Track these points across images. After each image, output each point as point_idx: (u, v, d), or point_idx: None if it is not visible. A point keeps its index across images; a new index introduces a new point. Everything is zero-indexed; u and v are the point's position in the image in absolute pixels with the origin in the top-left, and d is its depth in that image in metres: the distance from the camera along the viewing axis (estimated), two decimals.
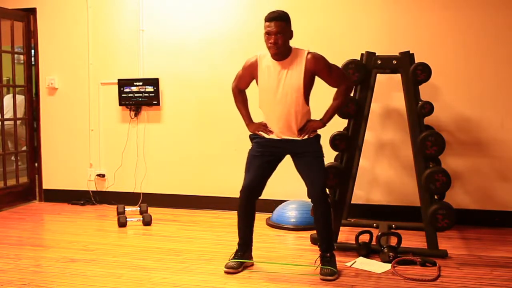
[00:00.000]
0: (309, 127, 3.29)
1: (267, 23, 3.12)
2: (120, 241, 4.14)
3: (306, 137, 3.29)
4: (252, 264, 3.49)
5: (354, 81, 3.84)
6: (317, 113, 3.38)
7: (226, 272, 3.32)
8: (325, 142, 3.91)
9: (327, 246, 3.34)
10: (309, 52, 3.20)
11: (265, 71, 3.23)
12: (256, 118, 3.48)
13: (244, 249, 3.46)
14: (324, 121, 3.32)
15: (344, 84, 3.31)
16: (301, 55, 3.18)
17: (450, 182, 3.63)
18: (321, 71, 3.22)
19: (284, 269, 3.42)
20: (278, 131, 3.30)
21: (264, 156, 3.35)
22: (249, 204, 3.39)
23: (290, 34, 3.19)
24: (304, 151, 3.30)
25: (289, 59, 3.18)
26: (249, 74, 3.33)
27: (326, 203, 3.30)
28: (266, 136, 3.35)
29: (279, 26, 3.09)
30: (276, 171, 4.91)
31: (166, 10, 5.16)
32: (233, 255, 3.45)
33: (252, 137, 3.44)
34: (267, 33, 3.12)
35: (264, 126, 3.35)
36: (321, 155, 3.34)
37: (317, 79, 3.30)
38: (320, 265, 3.30)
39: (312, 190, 3.28)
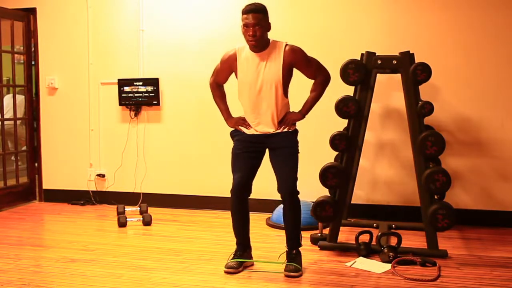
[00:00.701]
0: (288, 119, 3.30)
1: (245, 16, 3.13)
2: (120, 241, 4.14)
3: (286, 130, 3.30)
4: (253, 264, 3.50)
5: (354, 81, 3.84)
6: (296, 106, 3.39)
7: (226, 272, 3.32)
8: (324, 142, 3.93)
9: (294, 243, 3.37)
10: (287, 44, 3.23)
11: (244, 63, 3.24)
12: (235, 112, 3.48)
13: (243, 248, 3.46)
14: (303, 113, 3.34)
15: (321, 75, 3.34)
16: (279, 47, 3.21)
17: (450, 182, 3.63)
18: (299, 63, 3.25)
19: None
20: (258, 124, 3.30)
21: (247, 152, 3.35)
22: (241, 203, 3.40)
23: (268, 26, 3.20)
24: (281, 146, 3.31)
25: (268, 51, 3.20)
26: (228, 67, 3.33)
27: (296, 199, 3.31)
28: (245, 131, 3.35)
29: (257, 18, 3.10)
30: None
31: (166, 10, 5.16)
32: (232, 255, 3.45)
33: (232, 135, 3.44)
34: (245, 25, 3.13)
35: (243, 120, 3.35)
36: (296, 151, 3.35)
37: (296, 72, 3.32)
38: (285, 261, 3.33)
39: (282, 185, 3.29)
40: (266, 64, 3.19)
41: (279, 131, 3.29)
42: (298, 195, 3.33)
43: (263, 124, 3.29)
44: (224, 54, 3.35)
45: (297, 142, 3.38)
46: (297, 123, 4.85)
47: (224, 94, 3.48)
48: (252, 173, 3.37)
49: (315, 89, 3.35)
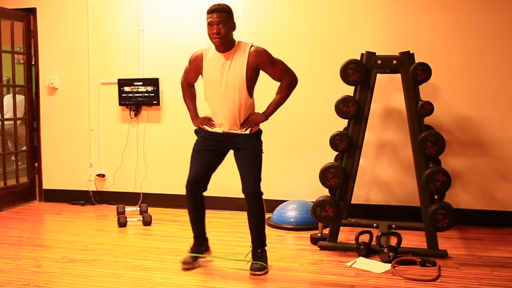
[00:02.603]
0: (252, 120, 3.33)
1: (209, 15, 3.19)
2: (120, 241, 4.14)
3: (248, 131, 3.32)
4: (210, 257, 3.55)
5: (354, 81, 3.84)
6: (262, 106, 3.40)
7: (183, 269, 3.38)
8: (324, 142, 3.92)
9: (259, 242, 3.40)
10: (252, 45, 3.25)
11: (209, 63, 3.28)
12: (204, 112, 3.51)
13: (200, 242, 3.50)
14: (267, 115, 3.36)
15: (287, 78, 3.34)
16: (244, 48, 3.23)
17: (450, 182, 3.63)
18: (263, 64, 3.26)
19: (285, 269, 3.43)
20: (222, 123, 3.33)
21: (207, 150, 3.39)
22: (195, 197, 3.43)
23: (232, 26, 3.23)
24: (244, 147, 3.34)
25: (233, 51, 3.23)
26: (195, 67, 3.37)
27: (259, 200, 3.34)
28: (210, 130, 3.39)
29: (221, 17, 3.15)
30: (274, 172, 4.94)
31: (166, 10, 5.16)
32: (190, 249, 3.50)
33: (197, 132, 3.48)
34: (209, 24, 3.18)
35: (208, 120, 3.39)
36: (259, 151, 3.37)
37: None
38: (251, 260, 3.36)
39: (246, 185, 3.32)
40: (230, 64, 3.22)
41: (242, 131, 3.33)
42: (262, 196, 3.36)
43: (227, 124, 3.33)
44: (192, 54, 3.40)
45: (260, 142, 3.40)
46: (297, 123, 4.90)
47: (194, 93, 3.54)
48: (209, 171, 3.42)
49: (280, 91, 3.38)
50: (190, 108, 3.52)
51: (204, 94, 3.37)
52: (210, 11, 3.19)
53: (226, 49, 3.22)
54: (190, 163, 3.43)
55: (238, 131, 3.33)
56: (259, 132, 3.41)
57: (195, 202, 3.45)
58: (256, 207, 3.34)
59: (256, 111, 3.40)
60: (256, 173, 3.32)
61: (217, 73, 3.25)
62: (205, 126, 3.40)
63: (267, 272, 3.33)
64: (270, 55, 3.28)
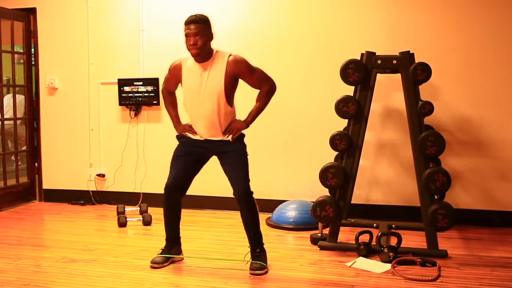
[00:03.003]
0: (233, 128, 3.35)
1: (186, 26, 3.23)
2: (120, 241, 4.14)
3: (230, 138, 3.35)
4: (182, 259, 3.58)
5: (354, 81, 3.84)
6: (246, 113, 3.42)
7: (151, 267, 3.42)
8: (324, 142, 3.92)
9: (256, 242, 3.42)
10: (231, 55, 3.28)
11: (188, 73, 3.32)
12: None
13: (172, 244, 3.54)
14: (247, 122, 3.39)
15: (266, 86, 3.37)
16: (222, 58, 3.27)
17: (450, 182, 3.63)
18: (242, 73, 3.29)
19: (285, 269, 3.43)
20: (203, 132, 3.37)
21: (188, 155, 3.43)
22: (172, 201, 3.47)
23: (210, 36, 3.27)
24: (228, 151, 3.37)
25: (211, 61, 3.27)
26: (174, 76, 3.41)
27: (251, 201, 3.37)
28: (192, 137, 3.42)
29: (197, 28, 3.19)
30: (274, 172, 4.94)
31: (166, 10, 5.16)
32: (161, 250, 3.53)
33: (178, 137, 3.51)
34: (186, 35, 3.22)
35: (190, 128, 3.42)
36: (244, 154, 3.40)
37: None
38: (250, 260, 3.39)
39: (236, 190, 3.35)
40: (209, 74, 3.25)
41: (224, 138, 3.36)
42: (253, 195, 3.39)
43: (207, 132, 3.36)
44: (172, 63, 3.44)
45: (244, 145, 3.43)
46: (297, 123, 4.90)
47: (174, 101, 3.57)
48: (188, 177, 3.45)
49: (260, 99, 3.40)
50: (172, 115, 3.56)
51: (183, 103, 3.41)
52: (187, 23, 3.23)
53: (204, 59, 3.26)
54: (170, 167, 3.48)
55: (220, 138, 3.36)
56: (242, 136, 3.44)
57: (172, 205, 3.50)
58: (249, 207, 3.37)
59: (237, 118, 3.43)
60: (244, 174, 3.36)
61: (195, 82, 3.28)
62: (187, 133, 3.44)
63: (267, 272, 3.34)
64: (249, 64, 3.32)
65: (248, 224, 3.41)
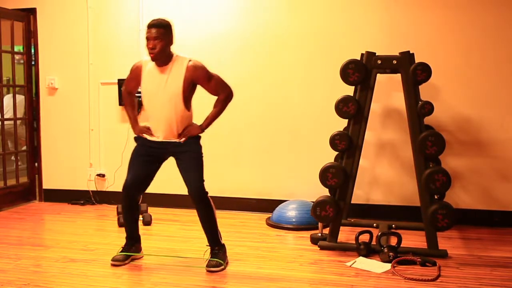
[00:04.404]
0: (188, 132, 3.41)
1: (148, 30, 3.27)
2: (120, 241, 4.12)
3: (182, 140, 3.41)
4: (142, 257, 3.63)
5: (354, 81, 3.84)
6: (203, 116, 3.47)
7: (112, 265, 3.47)
8: (324, 142, 3.92)
9: (213, 241, 3.48)
10: (190, 60, 3.33)
11: (148, 76, 3.36)
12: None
13: (132, 242, 3.60)
14: (203, 127, 3.46)
15: (223, 93, 3.43)
16: (182, 62, 3.32)
17: (450, 182, 3.63)
18: (200, 79, 3.35)
19: (285, 269, 3.43)
20: (160, 134, 3.41)
21: (145, 156, 3.48)
22: (131, 200, 3.54)
23: (169, 41, 3.30)
24: (184, 151, 3.42)
25: (170, 65, 3.32)
26: (135, 77, 3.45)
27: (206, 200, 3.42)
28: (149, 138, 3.46)
29: (157, 32, 3.23)
30: (274, 172, 4.94)
31: (166, 10, 5.16)
32: (121, 248, 3.58)
33: (136, 139, 3.55)
34: (147, 39, 3.26)
35: (147, 129, 3.46)
36: (199, 155, 3.46)
37: None
38: (209, 257, 3.44)
39: (190, 190, 3.40)
40: (167, 78, 3.30)
41: (178, 140, 3.41)
42: (207, 195, 3.44)
43: (164, 134, 3.40)
44: (133, 64, 3.49)
45: (200, 146, 3.49)
46: (297, 123, 4.90)
47: (133, 102, 3.61)
48: (145, 177, 3.50)
49: (217, 105, 3.47)
50: (130, 116, 3.59)
51: (143, 105, 3.45)
52: (149, 26, 3.27)
53: (163, 63, 3.31)
54: (128, 167, 3.52)
55: (175, 140, 3.41)
56: (198, 137, 3.50)
57: (130, 205, 3.56)
58: (204, 207, 3.43)
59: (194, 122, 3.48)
60: (199, 173, 3.42)
61: (154, 86, 3.33)
62: (144, 135, 3.48)
63: (223, 269, 3.39)
64: (207, 70, 3.37)
65: (204, 223, 3.47)
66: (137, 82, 3.44)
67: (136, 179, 3.48)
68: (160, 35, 3.22)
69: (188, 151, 3.42)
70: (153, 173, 3.54)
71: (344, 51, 4.40)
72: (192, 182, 3.39)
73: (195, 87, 3.41)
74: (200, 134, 3.49)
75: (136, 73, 3.43)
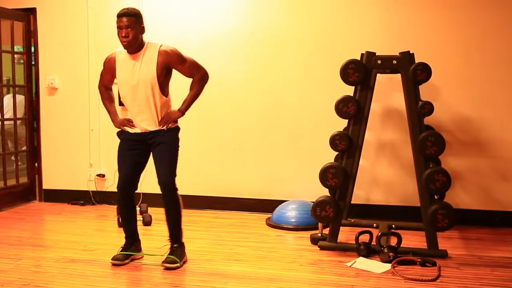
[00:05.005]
0: (167, 116, 3.43)
1: (118, 19, 3.33)
2: (120, 241, 4.12)
3: (165, 127, 3.43)
4: (142, 257, 3.63)
5: (354, 81, 3.84)
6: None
7: (112, 265, 3.47)
8: (324, 142, 3.92)
9: (175, 237, 3.51)
10: (161, 45, 3.38)
11: (121, 65, 3.40)
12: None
13: (131, 242, 3.61)
14: (182, 110, 3.48)
15: (198, 74, 3.46)
16: (154, 49, 3.36)
17: (450, 182, 3.63)
18: (173, 63, 3.39)
19: (285, 269, 3.43)
20: (140, 123, 3.44)
21: (131, 150, 3.52)
22: (127, 198, 3.55)
23: (141, 29, 3.36)
24: (160, 142, 3.44)
25: (142, 52, 3.36)
26: (109, 69, 3.49)
27: (173, 194, 3.44)
28: (130, 130, 3.49)
29: (129, 21, 3.29)
30: (274, 172, 4.94)
31: (166, 10, 5.16)
32: (121, 248, 3.58)
33: (119, 134, 3.58)
34: (119, 28, 3.32)
35: (128, 121, 3.49)
36: (175, 147, 3.49)
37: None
38: (167, 253, 3.46)
39: (159, 180, 3.42)
40: (141, 65, 3.34)
41: (159, 128, 3.43)
42: (177, 190, 3.45)
43: (144, 122, 3.43)
44: (105, 57, 3.52)
45: (177, 138, 3.52)
46: (297, 123, 4.90)
47: (111, 96, 3.65)
48: (136, 171, 3.54)
49: (193, 87, 3.49)
50: (109, 110, 3.62)
51: (120, 96, 3.49)
52: (119, 15, 3.33)
53: (136, 50, 3.35)
54: (117, 166, 3.55)
55: (156, 128, 3.43)
56: (177, 128, 3.53)
57: (127, 203, 3.57)
58: (170, 201, 3.45)
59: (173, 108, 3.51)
60: (170, 167, 3.43)
61: (128, 74, 3.37)
62: (125, 128, 3.50)
63: (179, 267, 3.40)
64: (179, 53, 3.40)
65: (169, 219, 3.50)
66: (112, 74, 3.47)
67: (128, 175, 3.50)
68: (132, 23, 3.28)
69: (163, 143, 3.44)
70: (143, 165, 3.56)
71: (344, 51, 4.40)
72: (162, 175, 3.41)
73: (170, 72, 3.43)
74: (179, 126, 3.53)
75: (109, 65, 3.47)
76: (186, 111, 3.49)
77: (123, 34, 3.28)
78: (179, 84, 3.68)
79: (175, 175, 3.45)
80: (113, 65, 3.44)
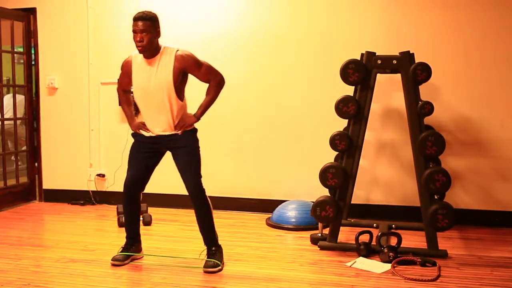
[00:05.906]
0: (183, 122, 3.41)
1: (134, 23, 3.29)
2: (120, 241, 4.12)
3: (180, 132, 3.40)
4: (142, 257, 3.63)
5: (354, 81, 3.84)
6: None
7: (112, 265, 3.46)
8: (324, 142, 3.92)
9: (210, 240, 3.48)
10: (178, 50, 3.34)
11: (138, 69, 3.37)
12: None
13: (132, 242, 3.60)
14: (197, 116, 3.45)
15: (214, 79, 3.43)
16: (170, 53, 3.33)
17: (450, 182, 3.63)
18: (190, 67, 3.36)
19: (285, 269, 3.43)
20: (155, 127, 3.42)
21: (144, 152, 3.49)
22: (132, 198, 3.54)
23: (156, 33, 3.32)
24: (181, 146, 3.42)
25: (158, 57, 3.32)
26: (125, 73, 3.47)
27: (203, 198, 3.42)
28: (145, 134, 3.48)
29: (144, 25, 3.25)
30: (274, 172, 4.94)
31: (166, 10, 5.15)
32: (121, 248, 3.57)
33: (133, 135, 3.57)
34: (134, 32, 3.28)
35: (143, 125, 3.48)
36: (196, 149, 3.47)
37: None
38: (205, 258, 3.43)
39: (187, 187, 3.41)
40: (157, 69, 3.31)
41: (176, 133, 3.41)
42: (205, 192, 3.44)
43: (159, 127, 3.40)
44: (123, 61, 3.49)
45: (196, 140, 3.50)
46: (297, 123, 4.90)
47: (129, 99, 3.63)
48: (146, 173, 3.52)
49: (209, 92, 3.46)
50: (127, 113, 3.62)
51: (135, 100, 3.46)
52: (135, 19, 3.29)
53: (152, 55, 3.31)
54: (128, 165, 3.53)
55: (172, 132, 3.41)
56: (195, 130, 3.50)
57: (132, 203, 3.56)
58: (202, 205, 3.43)
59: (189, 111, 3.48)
60: (196, 170, 3.42)
61: (144, 79, 3.34)
62: (141, 131, 3.49)
63: (221, 270, 3.37)
64: (196, 58, 3.37)
65: (201, 223, 3.47)
66: (129, 78, 3.45)
67: (137, 176, 3.49)
68: (147, 28, 3.24)
69: (184, 147, 3.42)
70: (152, 168, 3.54)
71: (344, 51, 4.40)
72: (190, 179, 3.40)
73: (186, 77, 3.41)
74: (196, 127, 3.49)
75: (126, 69, 3.45)
76: (201, 116, 3.45)
77: (138, 39, 3.24)
78: (196, 88, 3.64)
79: (201, 177, 3.44)
80: (129, 69, 3.41)
